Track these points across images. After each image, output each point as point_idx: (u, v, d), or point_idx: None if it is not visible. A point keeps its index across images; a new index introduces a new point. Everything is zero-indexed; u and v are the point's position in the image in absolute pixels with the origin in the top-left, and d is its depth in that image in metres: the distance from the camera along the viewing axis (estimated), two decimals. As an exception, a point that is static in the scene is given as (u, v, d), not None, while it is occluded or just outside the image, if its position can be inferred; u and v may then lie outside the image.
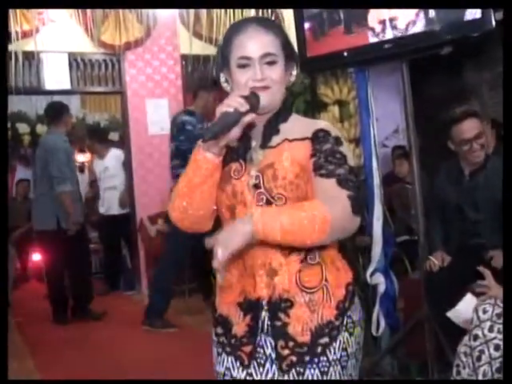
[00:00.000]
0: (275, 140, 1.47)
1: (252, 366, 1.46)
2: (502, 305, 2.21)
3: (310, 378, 1.41)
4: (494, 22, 2.67)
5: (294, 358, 1.41)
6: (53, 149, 4.92)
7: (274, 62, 1.44)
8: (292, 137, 1.46)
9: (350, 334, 1.46)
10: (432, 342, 3.04)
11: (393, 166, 5.37)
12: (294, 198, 1.43)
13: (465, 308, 2.50)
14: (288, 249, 1.42)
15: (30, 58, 5.27)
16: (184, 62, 6.24)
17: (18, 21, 4.53)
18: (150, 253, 6.09)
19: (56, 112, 5.14)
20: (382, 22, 2.99)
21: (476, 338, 2.23)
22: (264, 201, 1.43)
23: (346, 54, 3.08)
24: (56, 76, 5.66)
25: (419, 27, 2.93)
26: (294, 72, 1.53)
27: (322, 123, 1.53)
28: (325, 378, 1.41)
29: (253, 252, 1.43)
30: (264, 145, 1.48)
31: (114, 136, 8.77)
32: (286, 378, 1.42)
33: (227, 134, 1.37)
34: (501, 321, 2.17)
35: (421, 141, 6.37)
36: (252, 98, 1.40)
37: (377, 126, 3.52)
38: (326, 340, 1.42)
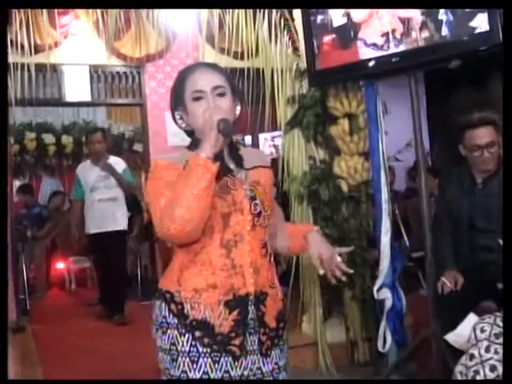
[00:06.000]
0: (245, 164, 1.74)
1: (243, 355, 1.62)
2: (501, 324, 2.15)
3: (274, 357, 1.68)
4: (501, 36, 2.64)
5: (269, 343, 1.68)
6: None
7: (224, 94, 1.69)
8: (258, 164, 1.77)
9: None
10: (439, 361, 2.98)
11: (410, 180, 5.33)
12: (272, 209, 1.77)
13: (465, 329, 2.40)
14: (265, 250, 1.71)
15: (52, 70, 5.34)
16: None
17: (35, 34, 4.61)
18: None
19: None
20: (386, 35, 2.99)
21: (472, 357, 2.17)
22: (258, 210, 1.69)
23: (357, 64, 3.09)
24: (77, 88, 5.74)
25: (426, 41, 2.92)
26: (239, 107, 1.77)
27: (266, 153, 1.96)
28: (282, 355, 1.71)
29: (243, 253, 1.65)
30: (240, 167, 1.73)
31: (138, 147, 8.81)
32: (264, 360, 1.66)
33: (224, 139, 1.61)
34: (499, 341, 2.10)
35: (439, 152, 6.33)
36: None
37: (390, 139, 3.49)
38: (282, 324, 1.74)
